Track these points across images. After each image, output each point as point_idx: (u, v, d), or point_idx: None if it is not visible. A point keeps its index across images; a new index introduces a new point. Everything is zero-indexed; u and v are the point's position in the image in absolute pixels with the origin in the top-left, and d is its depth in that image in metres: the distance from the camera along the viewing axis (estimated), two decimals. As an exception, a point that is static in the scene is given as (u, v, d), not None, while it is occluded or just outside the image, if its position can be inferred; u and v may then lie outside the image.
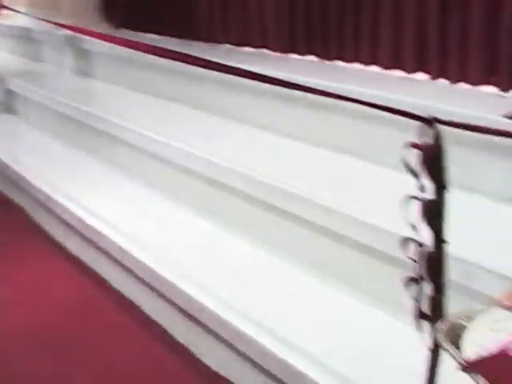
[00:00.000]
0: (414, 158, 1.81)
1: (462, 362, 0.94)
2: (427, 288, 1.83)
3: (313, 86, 2.01)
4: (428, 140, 1.81)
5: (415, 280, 1.84)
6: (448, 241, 1.82)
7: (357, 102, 1.89)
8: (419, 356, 1.87)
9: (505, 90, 3.11)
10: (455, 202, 1.85)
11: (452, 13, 3.21)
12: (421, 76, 3.44)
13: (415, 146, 1.80)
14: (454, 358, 0.95)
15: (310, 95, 2.21)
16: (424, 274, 1.81)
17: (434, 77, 3.37)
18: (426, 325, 1.90)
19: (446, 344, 0.97)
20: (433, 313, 1.77)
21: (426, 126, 1.81)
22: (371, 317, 2.50)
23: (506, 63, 3.07)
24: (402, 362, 2.16)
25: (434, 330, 1.00)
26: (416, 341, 1.88)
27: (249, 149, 3.40)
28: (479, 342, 0.96)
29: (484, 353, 0.93)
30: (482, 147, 2.68)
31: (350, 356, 2.29)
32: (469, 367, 0.93)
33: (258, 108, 3.67)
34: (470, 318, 1.01)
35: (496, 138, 2.55)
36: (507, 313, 1.01)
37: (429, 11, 3.30)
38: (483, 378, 0.89)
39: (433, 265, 1.78)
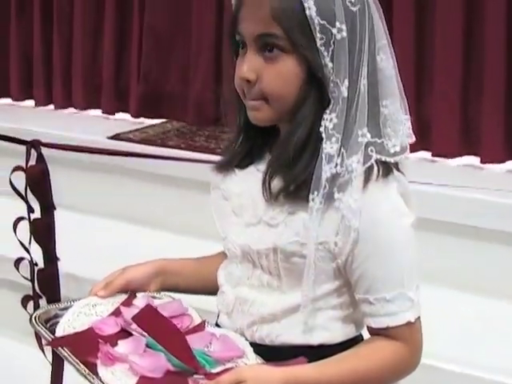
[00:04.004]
0: (22, 180, 1.88)
1: (50, 338, 1.04)
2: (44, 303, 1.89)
3: None
4: (33, 163, 1.88)
5: (31, 298, 1.90)
6: (60, 258, 1.91)
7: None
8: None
9: (109, 112, 3.26)
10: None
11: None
12: (27, 103, 3.50)
13: (19, 168, 1.86)
14: (44, 337, 1.05)
15: None
16: (38, 290, 1.87)
17: (40, 103, 3.45)
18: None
19: (37, 326, 1.07)
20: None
21: (30, 148, 1.88)
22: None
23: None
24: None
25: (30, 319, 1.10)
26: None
27: None
28: (72, 324, 1.08)
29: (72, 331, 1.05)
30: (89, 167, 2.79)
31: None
32: (54, 342, 1.03)
33: None
34: (67, 306, 1.12)
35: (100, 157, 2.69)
36: (100, 300, 1.13)
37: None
38: (68, 351, 0.99)
39: (45, 281, 1.86)
